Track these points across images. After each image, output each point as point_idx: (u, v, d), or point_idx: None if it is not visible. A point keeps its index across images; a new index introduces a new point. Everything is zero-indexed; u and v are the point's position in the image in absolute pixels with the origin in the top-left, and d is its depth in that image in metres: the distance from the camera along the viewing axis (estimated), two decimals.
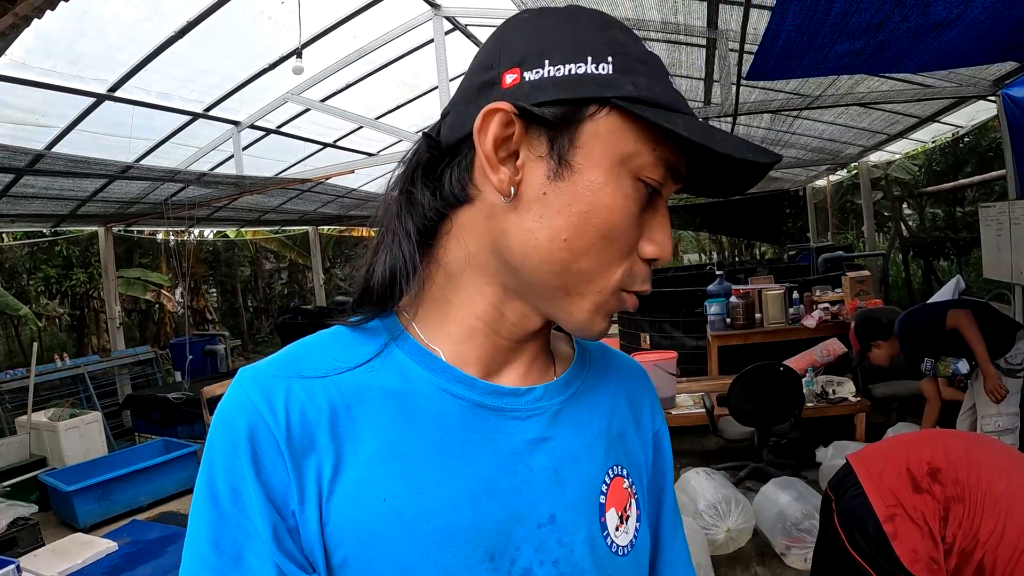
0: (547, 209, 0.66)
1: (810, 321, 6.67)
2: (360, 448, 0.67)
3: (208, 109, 6.80)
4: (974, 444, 2.55)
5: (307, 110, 7.82)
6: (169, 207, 7.17)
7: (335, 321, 0.77)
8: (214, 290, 14.67)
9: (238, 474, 0.65)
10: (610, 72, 0.64)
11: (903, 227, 11.89)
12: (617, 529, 0.77)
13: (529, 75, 0.65)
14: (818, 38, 3.82)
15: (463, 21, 7.76)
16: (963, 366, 4.71)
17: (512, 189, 0.66)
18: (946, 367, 5.07)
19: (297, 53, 5.42)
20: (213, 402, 6.53)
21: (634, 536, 0.79)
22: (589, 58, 0.65)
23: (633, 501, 0.80)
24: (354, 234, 16.17)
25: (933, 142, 10.04)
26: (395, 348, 0.73)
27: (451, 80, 7.07)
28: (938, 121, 7.86)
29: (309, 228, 12.74)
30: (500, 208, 0.68)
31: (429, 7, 6.85)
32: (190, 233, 10.63)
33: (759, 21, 4.32)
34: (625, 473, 0.80)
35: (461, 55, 8.10)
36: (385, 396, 0.70)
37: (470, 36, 8.26)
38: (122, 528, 4.98)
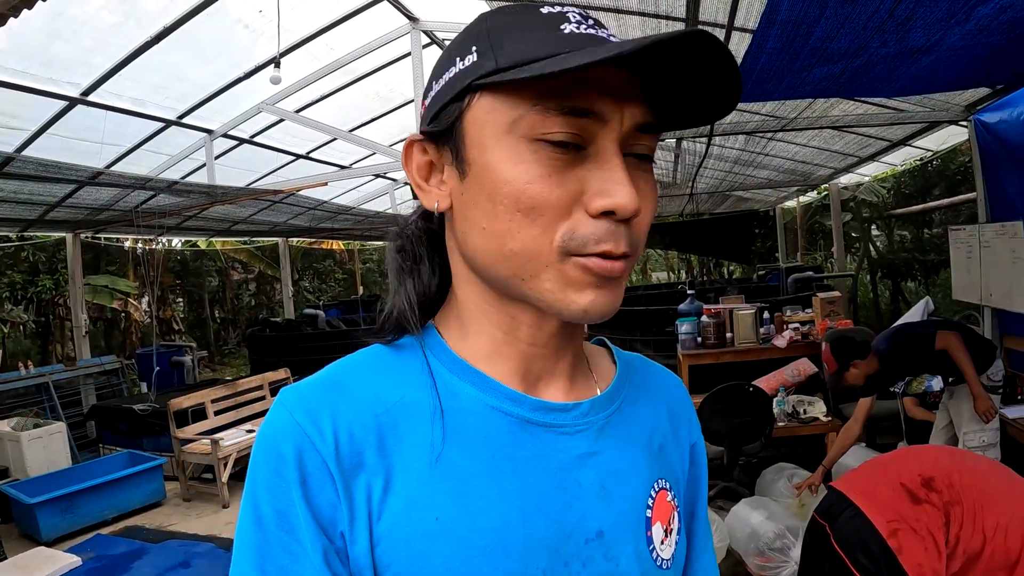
0: (467, 208, 0.68)
1: (781, 341, 6.71)
2: (410, 467, 0.67)
3: (181, 116, 6.72)
4: (957, 453, 2.67)
5: (281, 120, 7.77)
6: (139, 215, 7.05)
7: (373, 340, 0.78)
8: (180, 300, 14.48)
9: (285, 497, 0.65)
10: (474, 60, 0.66)
11: (871, 248, 12.08)
12: (662, 543, 0.77)
13: (428, 100, 0.72)
14: (797, 61, 3.87)
15: (440, 36, 7.76)
16: (937, 383, 4.77)
17: (437, 204, 0.71)
18: (919, 384, 5.14)
19: (275, 62, 5.37)
20: (180, 415, 6.44)
21: (675, 548, 0.80)
22: (457, 59, 0.67)
23: (676, 514, 0.81)
24: (323, 246, 16.08)
25: (903, 165, 10.23)
26: (440, 365, 0.74)
27: None
28: (909, 145, 8.00)
29: (279, 239, 12.64)
30: (450, 222, 0.73)
31: (407, 20, 6.85)
32: (159, 242, 10.48)
33: (740, 44, 4.37)
34: (668, 486, 0.80)
35: None
36: (434, 414, 0.70)
37: None
38: (86, 542, 4.89)
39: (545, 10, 0.66)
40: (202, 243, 13.57)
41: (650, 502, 0.77)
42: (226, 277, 15.28)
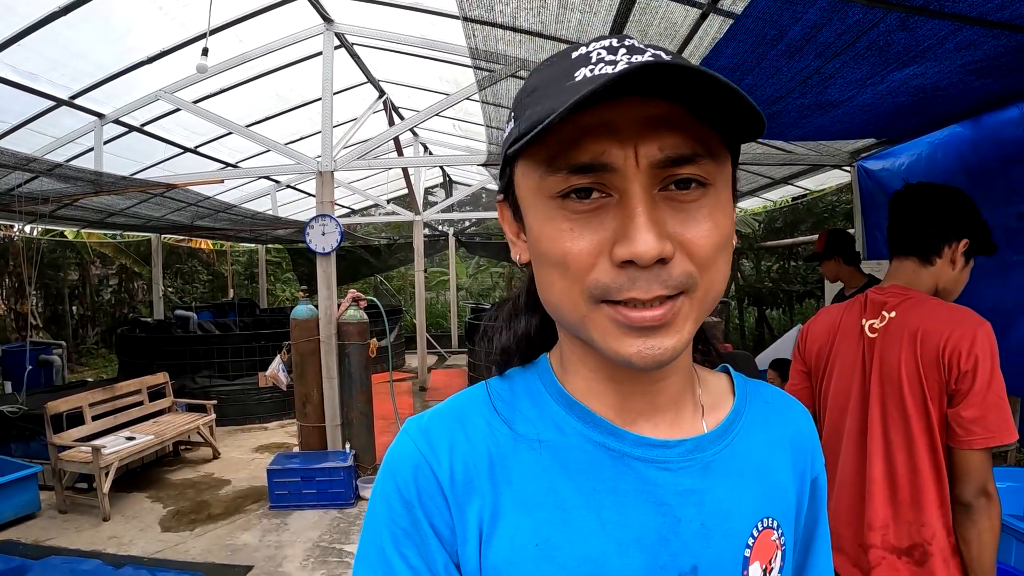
0: (533, 262, 0.72)
1: None
2: (516, 495, 0.72)
3: (74, 97, 6.30)
4: None
5: (176, 110, 7.43)
6: (23, 199, 6.49)
7: (492, 374, 0.83)
8: (34, 293, 13.34)
9: (407, 515, 0.72)
10: (511, 126, 0.69)
11: (739, 276, 12.76)
12: None
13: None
14: None
15: (351, 40, 7.67)
16: None
17: (519, 257, 0.75)
18: None
19: (203, 51, 5.13)
20: (54, 419, 5.97)
21: None
22: (508, 123, 0.71)
23: (779, 553, 0.80)
24: (191, 244, 15.33)
25: (779, 201, 10.85)
26: (549, 399, 0.77)
27: (334, 94, 6.95)
28: (791, 184, 8.54)
29: (152, 235, 11.95)
30: None
31: (322, 21, 6.73)
32: (23, 231, 9.67)
33: None
34: (775, 525, 0.79)
35: (341, 73, 8.01)
36: (541, 447, 0.74)
37: (354, 56, 8.18)
38: None
39: (575, 54, 0.66)
40: (70, 234, 12.62)
41: (751, 541, 0.76)
42: (87, 271, 14.23)
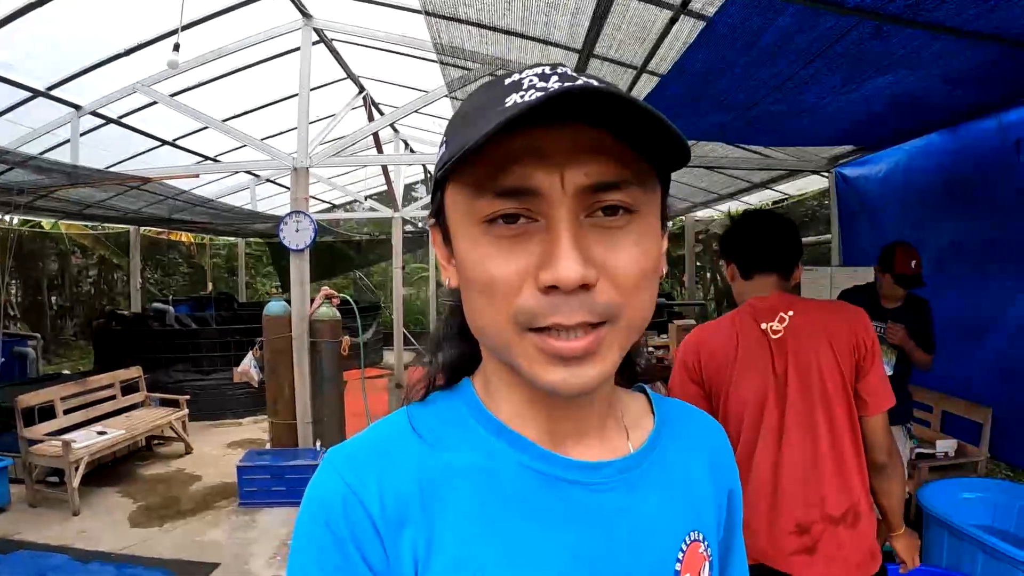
0: (461, 287, 0.71)
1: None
2: (451, 524, 0.69)
3: (51, 88, 6.27)
4: None
5: (153, 103, 7.38)
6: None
7: (414, 400, 0.82)
8: (12, 283, 13.19)
9: (335, 553, 0.68)
10: (443, 150, 0.68)
11: (717, 278, 12.82)
12: None
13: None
14: (691, 106, 4.09)
15: (330, 35, 7.67)
16: None
17: (448, 281, 0.75)
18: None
19: (175, 46, 5.11)
20: (25, 412, 5.96)
21: None
22: (442, 147, 0.69)
23: (707, 564, 0.81)
24: (172, 237, 15.22)
25: (758, 205, 10.93)
26: (477, 426, 0.76)
27: (312, 90, 6.95)
28: (770, 188, 8.60)
29: (131, 228, 11.89)
30: None
31: (300, 16, 6.73)
32: (3, 220, 9.57)
33: (645, 86, 4.57)
34: (701, 538, 0.81)
35: (321, 69, 8.01)
36: (473, 473, 0.72)
37: (333, 51, 8.18)
38: None
39: (508, 81, 0.65)
40: (46, 224, 12.52)
41: (680, 555, 0.78)
42: (66, 262, 14.10)
